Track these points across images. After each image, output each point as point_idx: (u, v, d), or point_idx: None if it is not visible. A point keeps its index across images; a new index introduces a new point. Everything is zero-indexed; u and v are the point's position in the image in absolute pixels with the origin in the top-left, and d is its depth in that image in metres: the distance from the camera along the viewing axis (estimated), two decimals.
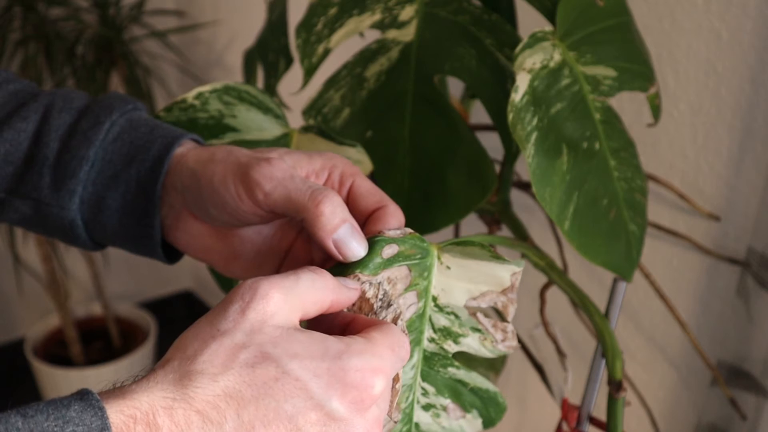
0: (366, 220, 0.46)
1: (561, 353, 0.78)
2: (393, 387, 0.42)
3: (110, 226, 0.50)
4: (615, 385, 0.60)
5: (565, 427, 0.72)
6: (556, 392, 0.80)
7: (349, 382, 0.35)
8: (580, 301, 0.61)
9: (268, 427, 0.34)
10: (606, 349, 0.60)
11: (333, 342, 0.37)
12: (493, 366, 0.85)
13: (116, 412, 0.32)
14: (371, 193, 0.46)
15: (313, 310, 0.39)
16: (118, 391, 0.34)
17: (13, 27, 1.51)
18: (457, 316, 0.47)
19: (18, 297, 1.85)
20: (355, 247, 0.43)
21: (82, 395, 0.32)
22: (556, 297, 0.95)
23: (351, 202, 0.46)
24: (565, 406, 0.72)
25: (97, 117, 0.50)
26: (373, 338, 0.38)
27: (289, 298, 0.37)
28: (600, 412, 0.66)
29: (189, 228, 0.49)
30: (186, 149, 0.49)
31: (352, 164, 0.48)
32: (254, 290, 0.37)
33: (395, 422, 0.47)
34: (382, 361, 0.37)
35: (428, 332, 0.47)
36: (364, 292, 0.43)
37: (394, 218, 0.45)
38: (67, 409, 0.32)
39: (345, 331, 0.41)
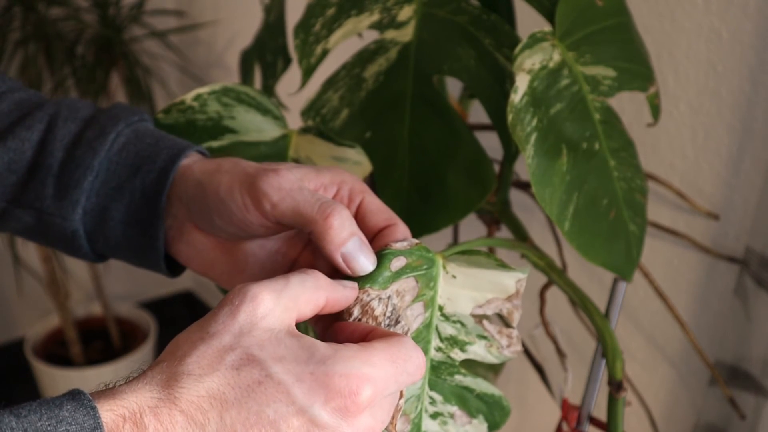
0: (374, 238, 0.45)
1: (561, 353, 0.78)
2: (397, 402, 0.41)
3: (113, 238, 0.50)
4: (615, 385, 0.60)
5: (565, 427, 0.72)
6: (556, 392, 0.79)
7: (332, 387, 0.35)
8: (580, 301, 0.61)
9: (249, 430, 0.34)
10: (606, 349, 0.60)
11: (321, 347, 0.36)
12: (492, 367, 0.85)
13: (107, 411, 0.33)
14: (381, 211, 0.46)
15: (307, 310, 0.39)
16: (108, 391, 0.34)
17: (13, 27, 1.51)
18: (463, 325, 0.47)
19: (18, 297, 1.85)
20: (364, 262, 0.42)
21: (74, 395, 0.33)
22: (556, 297, 0.95)
23: (360, 219, 0.46)
24: (565, 406, 0.72)
25: (103, 127, 0.50)
26: (370, 346, 0.37)
27: (281, 299, 0.37)
28: (600, 412, 0.66)
29: (192, 241, 0.49)
30: (192, 161, 0.49)
31: (362, 181, 0.48)
32: (244, 293, 0.36)
33: None
34: (372, 370, 0.36)
35: (435, 342, 0.47)
36: (372, 309, 0.42)
37: (402, 237, 0.45)
38: (59, 408, 0.32)
39: (364, 341, 0.40)
